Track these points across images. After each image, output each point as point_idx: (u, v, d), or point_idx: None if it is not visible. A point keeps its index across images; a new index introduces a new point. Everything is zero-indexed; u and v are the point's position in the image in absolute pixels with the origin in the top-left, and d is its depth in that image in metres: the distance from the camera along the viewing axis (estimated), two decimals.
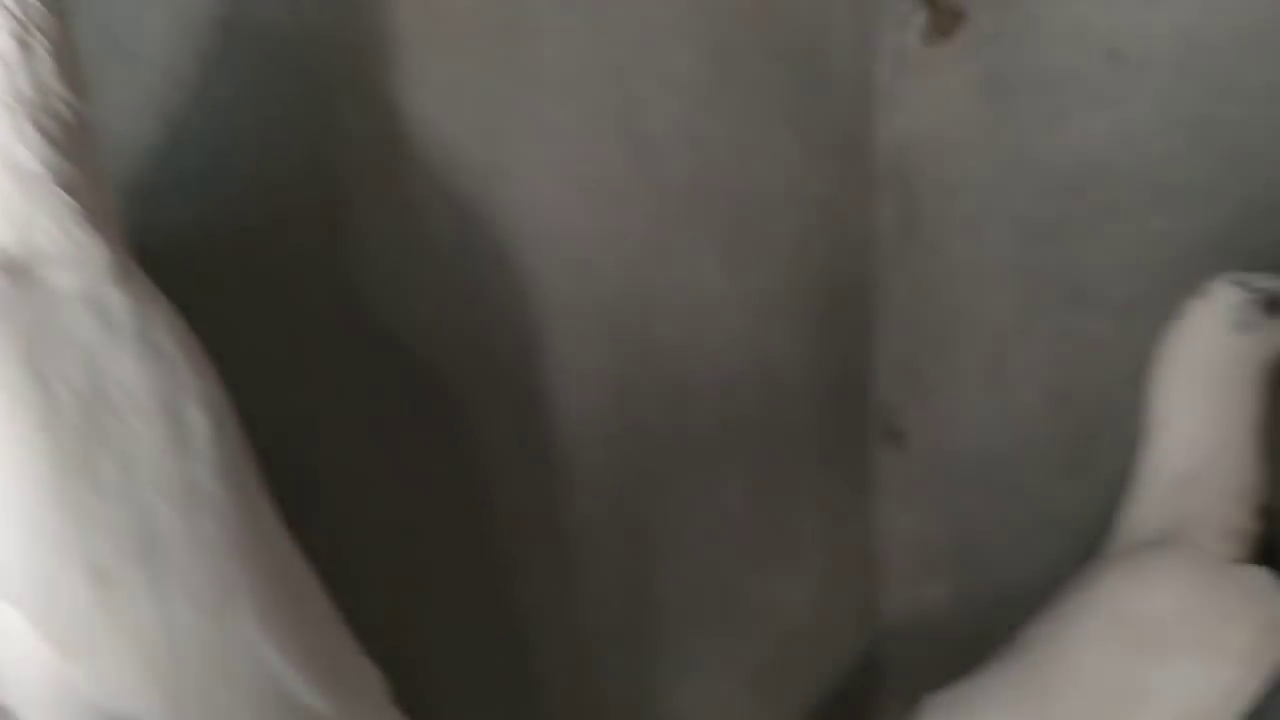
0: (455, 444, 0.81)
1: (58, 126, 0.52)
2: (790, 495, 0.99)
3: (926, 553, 1.01)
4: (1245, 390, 0.77)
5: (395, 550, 0.77)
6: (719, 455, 0.94)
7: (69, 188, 0.53)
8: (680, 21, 0.90)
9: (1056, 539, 0.93)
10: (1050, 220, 0.96)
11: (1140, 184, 0.91)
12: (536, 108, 0.83)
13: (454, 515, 0.81)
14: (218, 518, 0.53)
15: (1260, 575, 0.72)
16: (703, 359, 0.93)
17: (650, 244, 0.90)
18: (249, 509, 0.56)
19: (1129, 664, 0.72)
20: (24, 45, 0.51)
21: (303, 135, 0.74)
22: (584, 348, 0.86)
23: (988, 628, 0.84)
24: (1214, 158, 0.88)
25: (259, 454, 0.58)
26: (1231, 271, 0.78)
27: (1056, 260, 0.96)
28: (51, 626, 0.50)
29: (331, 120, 0.75)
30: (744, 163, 0.94)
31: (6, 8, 0.51)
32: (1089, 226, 0.94)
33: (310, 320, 0.74)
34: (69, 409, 0.50)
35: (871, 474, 1.06)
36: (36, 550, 0.49)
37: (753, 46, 0.94)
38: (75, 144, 0.53)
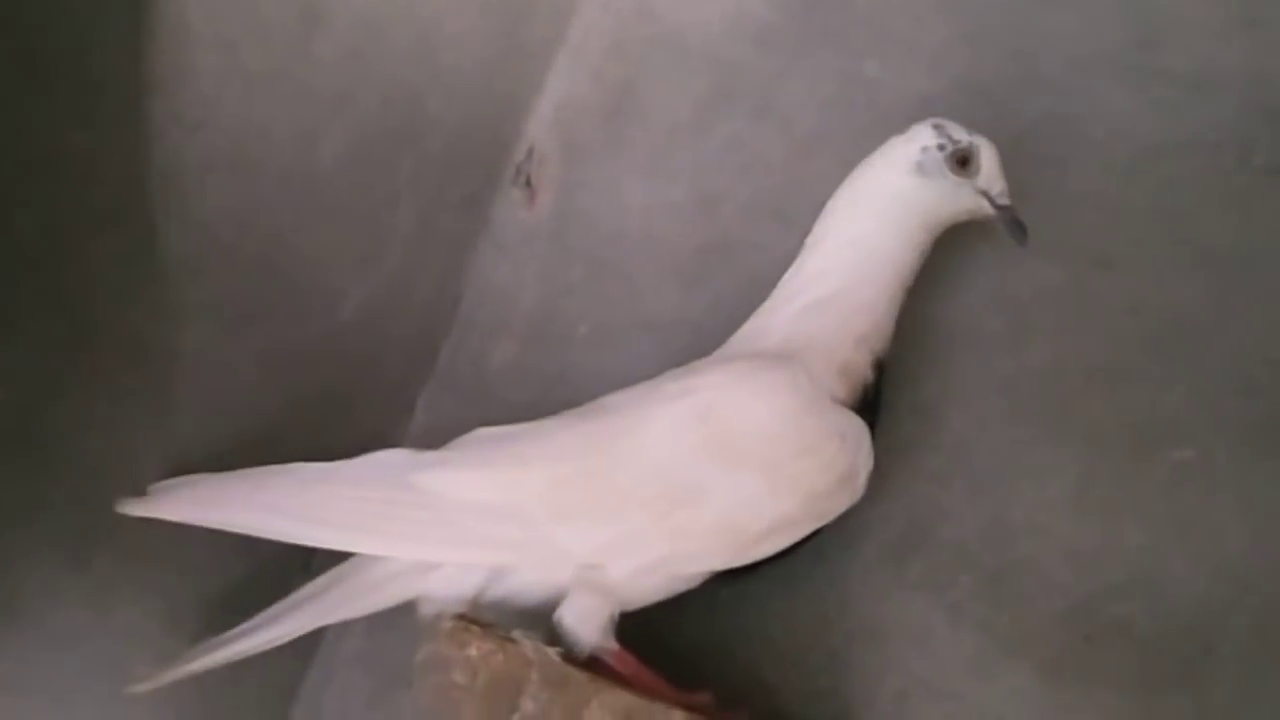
0: None
1: None
2: None
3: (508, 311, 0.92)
4: (905, 238, 0.73)
5: None
6: None
7: None
8: None
9: (657, 341, 0.87)
10: None
11: None
12: None
13: None
14: None
15: (855, 423, 0.68)
16: None
17: None
18: None
19: (698, 460, 0.67)
20: None
21: None
22: None
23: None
24: None
25: None
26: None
27: None
28: None
29: None
30: None
31: None
32: None
33: None
34: None
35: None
36: None
37: None
38: None
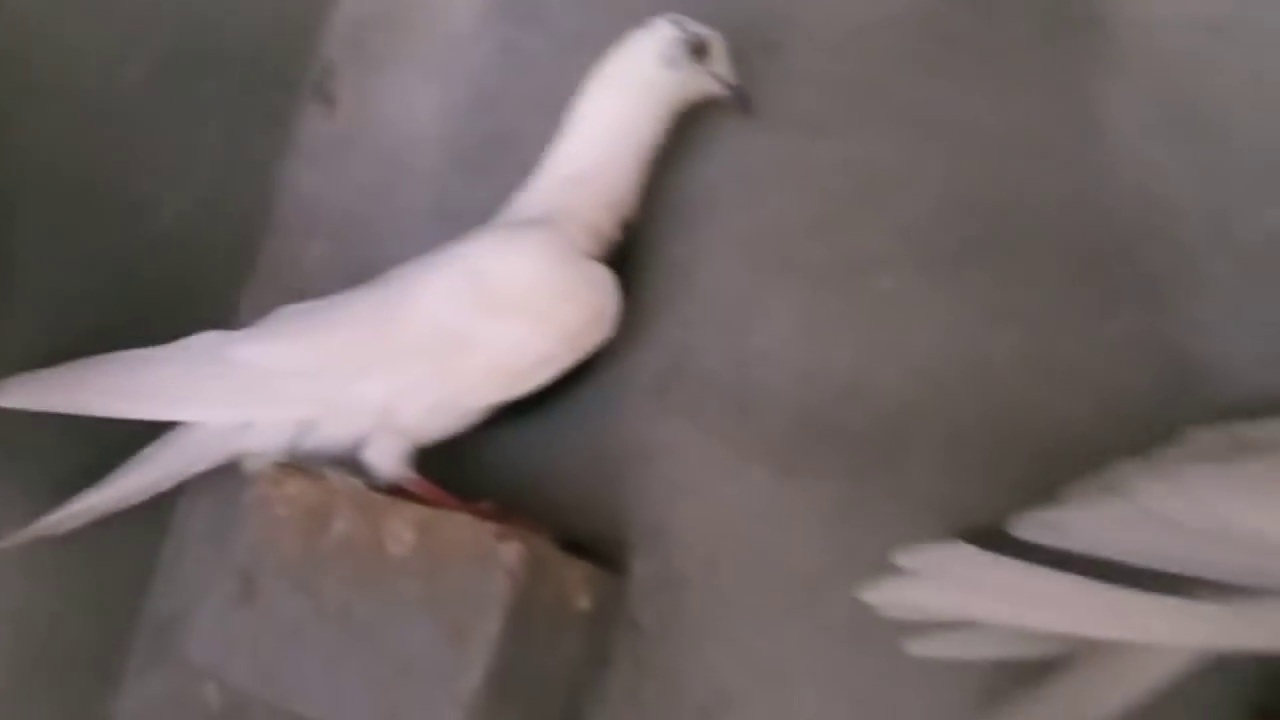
0: None
1: None
2: None
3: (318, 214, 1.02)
4: (650, 119, 0.86)
5: None
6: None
7: None
8: None
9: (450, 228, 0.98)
10: None
11: None
12: None
13: None
14: None
15: (603, 272, 0.81)
16: None
17: None
18: None
19: (468, 314, 0.78)
20: None
21: None
22: None
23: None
24: None
25: None
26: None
27: None
28: None
29: None
30: None
31: None
32: None
33: None
34: None
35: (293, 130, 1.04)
36: None
37: None
38: None
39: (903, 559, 0.66)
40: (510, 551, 0.74)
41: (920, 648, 0.71)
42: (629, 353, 0.91)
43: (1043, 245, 0.85)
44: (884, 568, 0.69)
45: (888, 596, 0.67)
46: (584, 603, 0.82)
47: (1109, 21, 0.87)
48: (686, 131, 0.93)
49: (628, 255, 0.86)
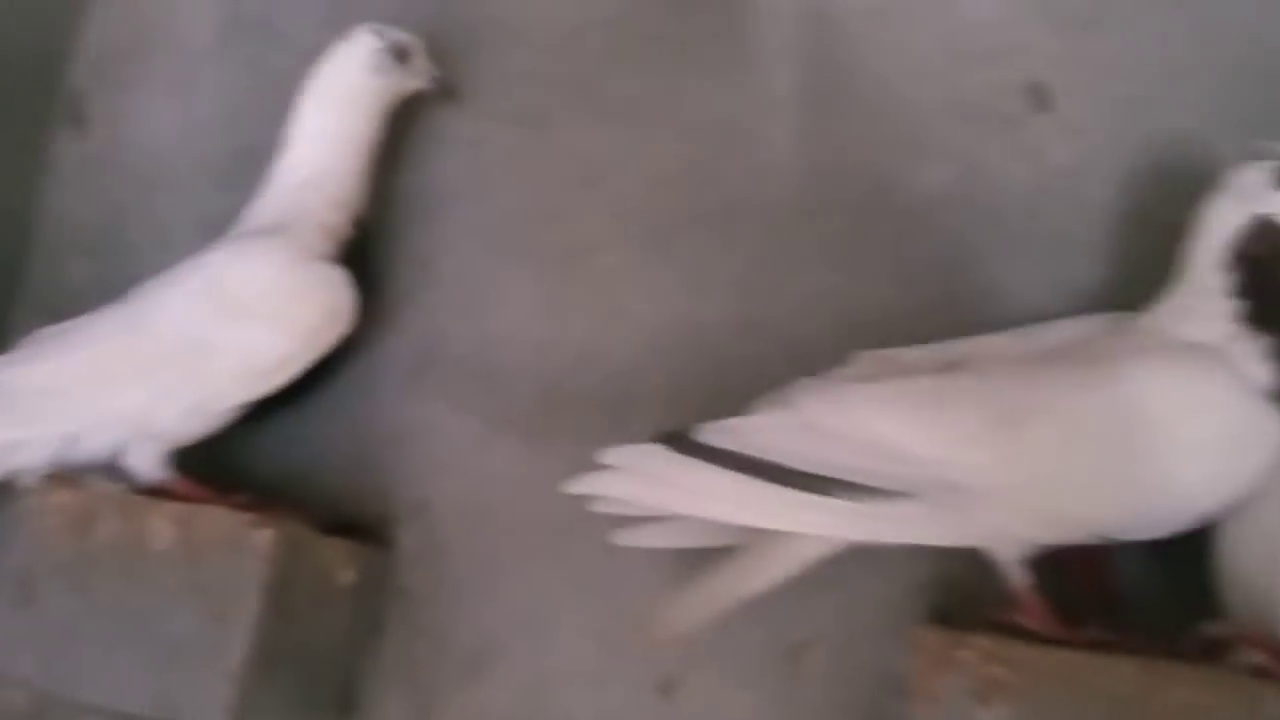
0: None
1: None
2: None
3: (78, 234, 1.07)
4: (365, 121, 0.93)
5: None
6: None
7: None
8: None
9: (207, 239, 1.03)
10: None
11: None
12: None
13: None
14: None
15: (335, 271, 0.88)
16: None
17: None
18: None
19: (209, 321, 0.85)
20: None
21: None
22: None
23: None
24: None
25: None
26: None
27: None
28: None
29: None
30: None
31: None
32: None
33: None
34: None
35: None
36: None
37: None
38: None
39: (604, 457, 0.76)
40: (263, 537, 0.81)
41: (625, 538, 0.81)
42: (381, 342, 0.98)
43: (738, 217, 0.95)
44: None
45: (591, 489, 0.77)
46: (348, 577, 0.89)
47: (782, 11, 0.97)
48: (418, 131, 1.00)
49: (366, 250, 0.93)
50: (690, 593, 0.79)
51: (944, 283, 0.91)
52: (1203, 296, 0.74)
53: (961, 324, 0.86)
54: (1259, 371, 0.71)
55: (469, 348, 0.98)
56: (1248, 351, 0.72)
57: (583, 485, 0.77)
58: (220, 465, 0.93)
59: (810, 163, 0.95)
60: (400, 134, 1.01)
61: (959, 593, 0.84)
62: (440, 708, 0.93)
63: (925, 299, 0.91)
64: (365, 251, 0.93)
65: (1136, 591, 0.81)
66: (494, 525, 0.94)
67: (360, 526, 0.95)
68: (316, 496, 0.96)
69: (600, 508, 0.78)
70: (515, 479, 0.94)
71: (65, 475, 0.86)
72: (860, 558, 0.84)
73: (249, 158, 1.04)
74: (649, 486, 0.75)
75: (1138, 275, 0.82)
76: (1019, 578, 0.74)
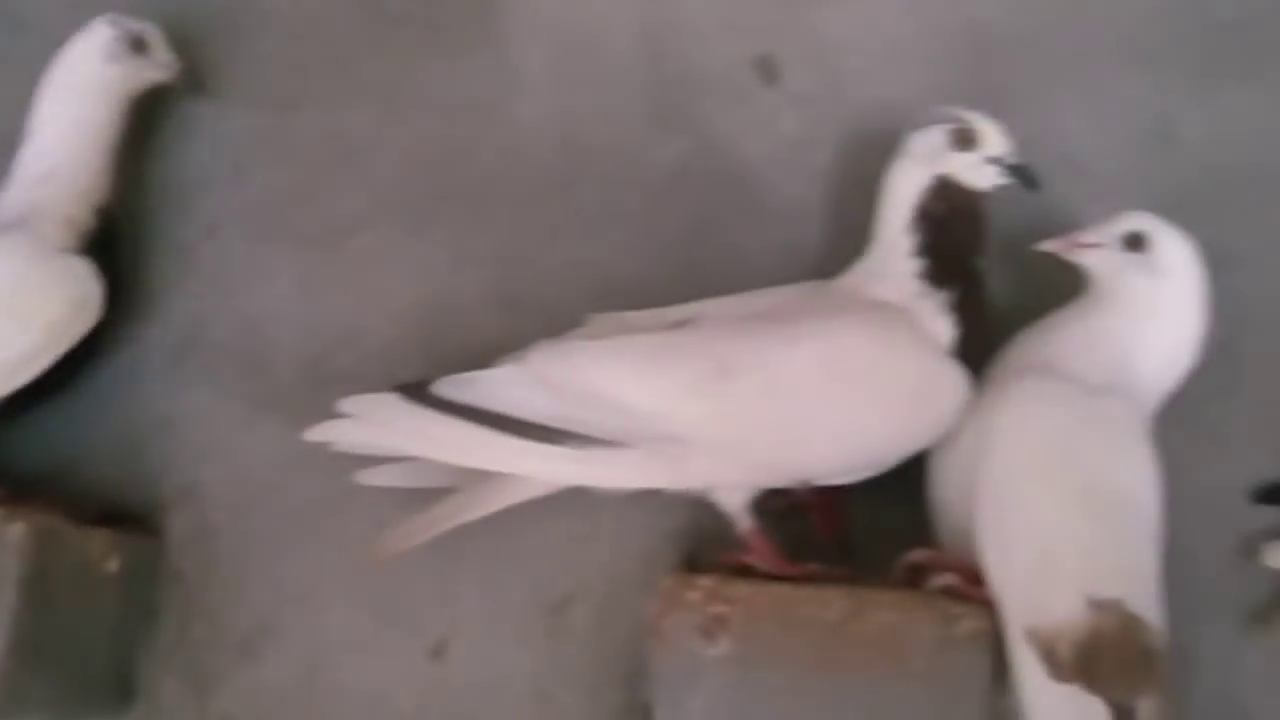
0: None
1: None
2: None
3: None
4: (105, 111, 0.93)
5: None
6: None
7: None
8: None
9: None
10: None
11: None
12: None
13: None
14: None
15: (77, 264, 0.88)
16: None
17: None
18: None
19: None
20: None
21: None
22: None
23: None
24: None
25: None
26: None
27: None
28: None
29: None
30: None
31: None
32: None
33: None
34: None
35: None
36: None
37: None
38: None
39: (343, 405, 0.81)
40: (15, 532, 0.81)
41: (366, 478, 0.86)
42: (144, 331, 0.98)
43: (491, 193, 0.98)
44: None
45: (330, 436, 0.83)
46: (113, 565, 0.90)
47: None
48: (172, 119, 1.00)
49: (116, 239, 0.93)
50: (412, 519, 0.84)
51: (688, 250, 0.96)
52: (892, 257, 0.81)
53: (707, 289, 0.90)
54: (940, 326, 0.79)
55: (231, 332, 0.99)
56: (930, 308, 0.79)
57: (321, 432, 0.82)
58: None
59: (560, 139, 0.99)
60: (153, 122, 1.01)
61: (711, 539, 0.89)
62: (218, 688, 0.94)
63: (672, 266, 0.96)
64: (114, 241, 0.93)
65: (876, 527, 0.88)
66: (263, 505, 0.96)
67: (128, 515, 0.95)
68: (84, 487, 0.96)
69: (341, 449, 0.84)
70: (281, 459, 0.95)
71: None
72: (619, 511, 0.90)
73: (3, 150, 1.02)
74: (384, 433, 0.81)
75: (864, 239, 0.88)
76: (744, 521, 0.80)
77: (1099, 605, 0.69)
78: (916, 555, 0.78)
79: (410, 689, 0.92)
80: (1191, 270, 0.80)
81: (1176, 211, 0.92)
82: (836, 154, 0.97)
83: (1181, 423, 0.89)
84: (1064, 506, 0.72)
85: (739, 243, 0.96)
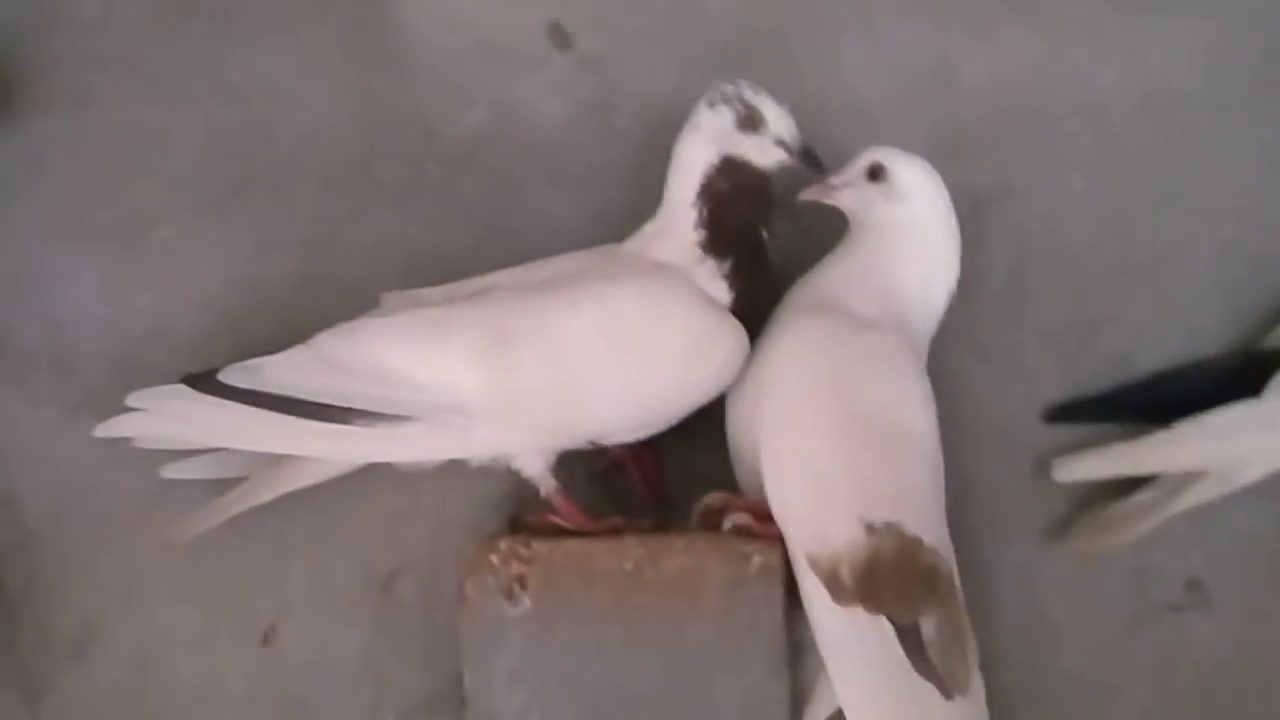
0: None
1: None
2: None
3: None
4: None
5: None
6: None
7: None
8: None
9: None
10: None
11: None
12: None
13: None
14: None
15: None
16: None
17: None
18: None
19: None
20: None
21: None
22: None
23: None
24: None
25: None
26: None
27: None
28: None
29: None
30: None
31: None
32: None
33: None
34: None
35: None
36: None
37: None
38: None
39: (131, 399, 0.82)
40: None
41: (173, 471, 0.87)
42: None
43: (293, 176, 0.98)
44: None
45: (119, 432, 0.83)
46: None
47: None
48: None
49: None
50: (209, 503, 0.85)
51: (491, 219, 0.97)
52: (677, 224, 0.83)
53: (514, 257, 0.91)
54: (718, 290, 0.81)
55: (36, 335, 0.97)
56: (709, 270, 0.81)
57: (110, 428, 0.82)
58: None
59: (358, 116, 0.99)
60: None
61: (536, 504, 0.90)
62: (49, 692, 0.93)
63: (477, 236, 0.97)
64: None
65: (693, 476, 0.90)
66: (82, 508, 0.95)
67: None
68: None
69: (140, 444, 0.85)
70: (95, 460, 0.94)
71: None
72: (442, 483, 0.91)
73: None
74: (176, 424, 0.81)
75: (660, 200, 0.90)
76: (547, 483, 0.81)
77: (876, 528, 0.71)
78: (711, 499, 0.80)
79: (242, 675, 0.92)
80: (931, 191, 0.83)
81: (959, 150, 0.96)
82: (633, 116, 0.98)
83: (974, 351, 0.93)
84: (836, 435, 0.74)
85: (543, 209, 0.98)
